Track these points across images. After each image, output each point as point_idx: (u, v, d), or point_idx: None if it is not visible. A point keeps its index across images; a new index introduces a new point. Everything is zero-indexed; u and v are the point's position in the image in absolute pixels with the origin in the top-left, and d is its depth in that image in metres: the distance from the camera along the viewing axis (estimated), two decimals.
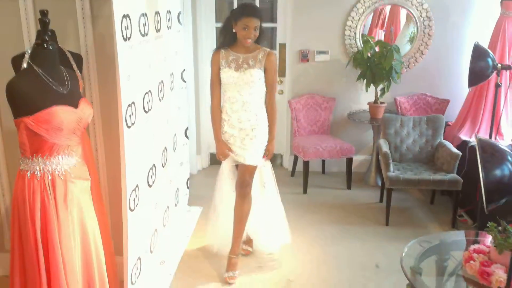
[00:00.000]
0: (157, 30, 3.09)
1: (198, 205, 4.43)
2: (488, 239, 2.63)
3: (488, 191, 1.70)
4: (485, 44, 4.35)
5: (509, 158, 1.72)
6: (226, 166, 3.40)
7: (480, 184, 1.74)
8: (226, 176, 3.44)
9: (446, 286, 2.55)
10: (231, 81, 3.13)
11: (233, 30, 3.08)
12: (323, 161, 5.29)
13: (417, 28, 4.97)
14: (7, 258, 3.09)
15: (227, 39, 3.14)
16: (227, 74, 3.12)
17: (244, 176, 3.27)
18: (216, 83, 3.21)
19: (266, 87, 3.19)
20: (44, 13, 2.20)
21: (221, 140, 3.26)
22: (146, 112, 2.85)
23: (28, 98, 1.99)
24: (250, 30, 3.01)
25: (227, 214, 3.42)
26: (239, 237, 3.37)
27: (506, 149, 1.78)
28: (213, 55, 3.20)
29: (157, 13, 3.09)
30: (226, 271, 3.28)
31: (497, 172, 1.70)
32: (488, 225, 2.46)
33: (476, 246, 2.58)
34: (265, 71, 3.13)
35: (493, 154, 1.70)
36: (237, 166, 3.36)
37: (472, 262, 2.47)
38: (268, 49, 3.15)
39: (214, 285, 3.24)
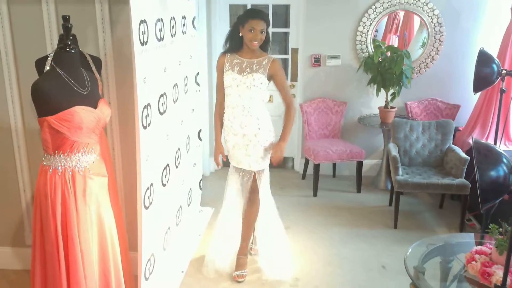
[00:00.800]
0: (172, 35, 3.21)
1: (210, 206, 4.54)
2: (494, 242, 2.68)
3: (483, 191, 1.77)
4: (495, 50, 4.40)
5: (504, 160, 1.80)
6: (232, 172, 3.43)
7: None
8: (232, 182, 3.45)
9: (448, 286, 2.62)
10: (232, 84, 3.16)
11: (240, 35, 3.12)
12: (334, 165, 5.37)
13: (428, 34, 5.03)
14: (28, 253, 3.27)
15: (233, 44, 3.19)
16: (229, 77, 3.17)
17: (253, 183, 3.32)
18: (220, 87, 3.28)
19: (278, 91, 3.23)
20: (66, 18, 2.34)
21: (219, 144, 3.37)
22: (161, 113, 2.97)
23: (51, 98, 2.13)
24: (256, 32, 3.04)
25: (234, 219, 3.49)
26: (247, 240, 3.46)
27: (502, 151, 1.86)
28: (219, 59, 3.26)
29: (173, 18, 3.21)
30: (236, 270, 3.38)
31: (492, 173, 1.77)
32: (489, 227, 2.53)
33: (478, 247, 2.65)
34: (272, 77, 3.17)
35: (487, 155, 1.78)
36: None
37: (474, 262, 2.53)
38: (273, 56, 3.20)
39: (224, 283, 3.34)
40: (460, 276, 2.61)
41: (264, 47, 3.22)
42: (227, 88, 3.21)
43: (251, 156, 3.24)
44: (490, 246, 2.62)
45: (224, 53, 3.24)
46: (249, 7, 5.21)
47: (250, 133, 3.21)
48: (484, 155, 1.78)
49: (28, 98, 3.01)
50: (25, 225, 3.28)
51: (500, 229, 2.51)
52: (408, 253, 2.74)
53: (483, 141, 1.88)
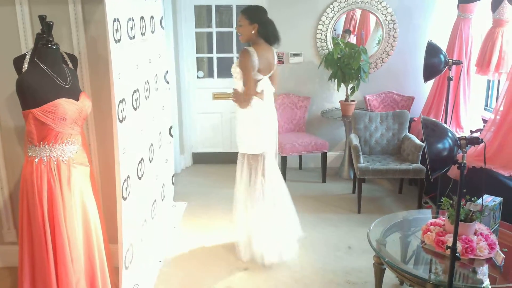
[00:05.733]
0: (142, 34, 3.35)
1: (183, 201, 4.69)
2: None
3: (431, 161, 2.02)
4: (444, 43, 4.75)
5: (449, 134, 2.05)
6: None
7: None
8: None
9: (407, 254, 2.87)
10: None
11: None
12: (300, 157, 5.60)
13: (383, 31, 5.36)
14: (6, 250, 3.33)
15: None
16: None
17: None
18: None
19: None
20: (43, 18, 2.45)
21: None
22: (134, 109, 3.10)
23: (36, 91, 2.24)
24: (237, 26, 3.43)
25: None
26: None
27: (447, 126, 2.11)
28: None
29: (142, 18, 3.35)
30: None
31: (439, 146, 2.02)
32: (441, 200, 2.80)
33: (433, 220, 2.92)
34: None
35: (434, 129, 2.03)
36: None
37: (429, 233, 2.80)
38: (246, 47, 3.36)
39: (200, 271, 3.49)
40: (418, 247, 2.86)
41: (267, 40, 3.45)
42: None
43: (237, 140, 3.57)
44: (444, 218, 2.90)
45: None
46: (213, 8, 5.41)
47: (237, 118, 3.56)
48: (431, 129, 2.02)
49: (3, 96, 3.08)
50: (3, 222, 3.32)
51: (452, 202, 2.78)
52: (370, 229, 2.98)
53: (430, 118, 2.13)
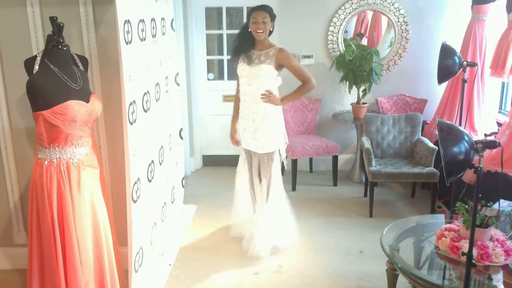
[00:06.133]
0: (153, 35, 3.34)
1: (193, 204, 4.66)
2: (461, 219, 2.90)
3: (447, 165, 1.97)
4: (457, 45, 4.68)
5: (466, 137, 2.00)
6: (241, 153, 3.83)
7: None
8: (241, 163, 3.83)
9: (421, 260, 2.81)
10: (243, 74, 3.52)
11: (249, 30, 3.45)
12: (311, 160, 5.56)
13: (395, 32, 5.30)
14: (17, 252, 3.33)
15: (240, 41, 3.52)
16: (240, 68, 3.54)
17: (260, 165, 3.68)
18: (237, 77, 3.67)
19: (296, 77, 3.54)
20: (54, 19, 2.44)
21: (234, 125, 3.80)
22: (145, 111, 3.09)
23: (46, 93, 2.23)
24: (258, 22, 3.37)
25: (244, 198, 3.84)
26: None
27: (463, 130, 2.07)
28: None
29: (153, 19, 3.34)
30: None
31: (455, 149, 1.97)
32: (456, 205, 2.74)
33: (447, 225, 2.86)
34: (282, 65, 3.48)
35: (449, 132, 1.98)
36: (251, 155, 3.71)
37: (443, 238, 2.74)
38: (279, 47, 3.48)
39: (210, 274, 3.46)
40: (432, 253, 2.81)
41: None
42: (240, 78, 3.60)
43: (258, 140, 3.55)
44: (458, 223, 2.84)
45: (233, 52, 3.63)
46: (224, 10, 5.39)
47: (258, 119, 3.53)
48: (447, 132, 1.97)
49: (14, 98, 3.09)
50: (14, 224, 3.32)
51: (466, 206, 2.72)
52: (383, 233, 2.93)
53: (446, 120, 2.08)
